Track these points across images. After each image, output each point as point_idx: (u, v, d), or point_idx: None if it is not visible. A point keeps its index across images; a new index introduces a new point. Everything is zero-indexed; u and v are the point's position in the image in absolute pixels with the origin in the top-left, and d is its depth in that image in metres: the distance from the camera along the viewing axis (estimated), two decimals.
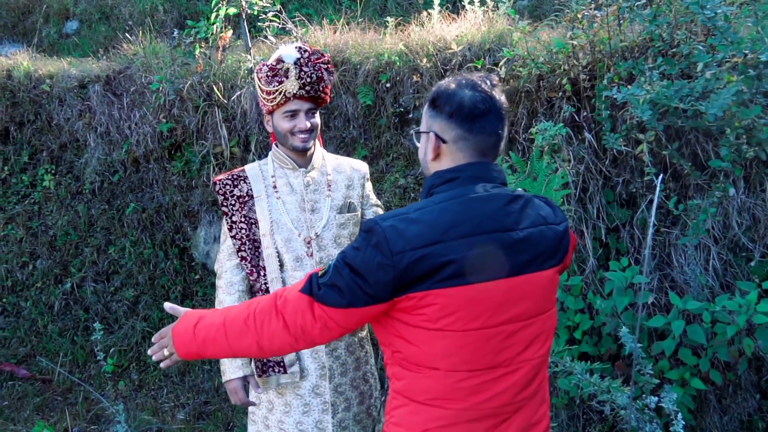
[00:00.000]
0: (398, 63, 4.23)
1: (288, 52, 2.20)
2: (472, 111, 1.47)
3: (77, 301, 4.68)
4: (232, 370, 2.21)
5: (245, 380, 2.23)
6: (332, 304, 1.40)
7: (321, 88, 2.22)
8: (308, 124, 2.22)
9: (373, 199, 2.44)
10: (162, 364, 1.63)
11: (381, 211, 2.43)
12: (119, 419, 3.03)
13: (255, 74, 2.26)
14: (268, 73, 2.18)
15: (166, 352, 1.60)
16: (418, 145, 1.63)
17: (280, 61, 2.19)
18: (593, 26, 3.45)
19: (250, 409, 2.34)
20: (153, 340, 1.62)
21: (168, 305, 1.66)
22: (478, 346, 1.43)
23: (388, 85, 4.26)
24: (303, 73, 2.17)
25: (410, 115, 4.24)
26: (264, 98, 2.22)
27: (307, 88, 2.18)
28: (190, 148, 4.66)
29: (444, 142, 1.50)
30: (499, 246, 1.42)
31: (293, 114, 2.21)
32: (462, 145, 1.49)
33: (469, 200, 1.44)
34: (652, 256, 3.46)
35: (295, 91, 2.17)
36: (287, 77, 2.16)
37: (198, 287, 4.56)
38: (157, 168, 4.77)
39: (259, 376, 2.22)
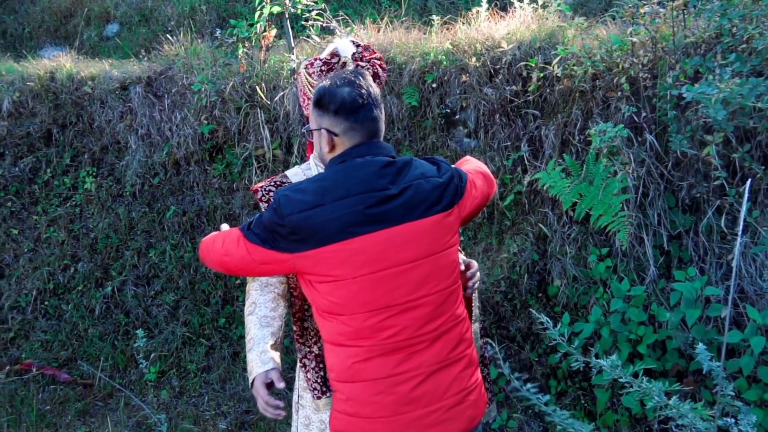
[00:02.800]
0: (445, 62, 4.09)
1: (343, 45, 2.06)
2: (353, 104, 1.74)
3: (118, 305, 4.64)
4: (258, 365, 1.86)
5: (267, 375, 1.85)
6: (251, 240, 1.77)
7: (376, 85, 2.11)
8: None
9: None
10: None
11: None
12: (161, 429, 2.94)
13: (303, 70, 2.10)
14: (323, 68, 2.04)
15: None
16: (310, 140, 1.93)
17: (335, 55, 2.05)
18: (655, 22, 3.27)
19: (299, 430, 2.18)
20: None
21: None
22: (372, 290, 1.70)
23: (434, 85, 4.12)
24: (360, 68, 2.03)
25: (457, 116, 4.10)
26: None
27: None
28: (231, 151, 4.58)
29: (336, 135, 1.77)
30: (373, 203, 1.68)
31: None
32: (351, 134, 1.76)
33: (346, 168, 1.73)
34: (719, 265, 3.26)
35: None
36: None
37: (239, 292, 4.48)
38: (198, 170, 4.70)
39: (318, 398, 2.05)
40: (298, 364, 2.13)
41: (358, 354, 1.73)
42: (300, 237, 1.69)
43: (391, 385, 1.72)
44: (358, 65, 2.03)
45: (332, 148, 1.79)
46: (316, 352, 2.04)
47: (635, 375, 2.39)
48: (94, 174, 4.95)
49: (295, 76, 2.12)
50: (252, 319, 2.01)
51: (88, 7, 7.81)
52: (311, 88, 2.06)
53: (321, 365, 2.04)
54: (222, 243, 1.86)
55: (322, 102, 1.77)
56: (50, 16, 7.95)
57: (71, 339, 4.55)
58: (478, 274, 2.12)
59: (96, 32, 7.70)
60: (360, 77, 1.79)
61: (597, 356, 2.94)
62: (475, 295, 2.18)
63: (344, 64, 2.03)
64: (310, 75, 2.06)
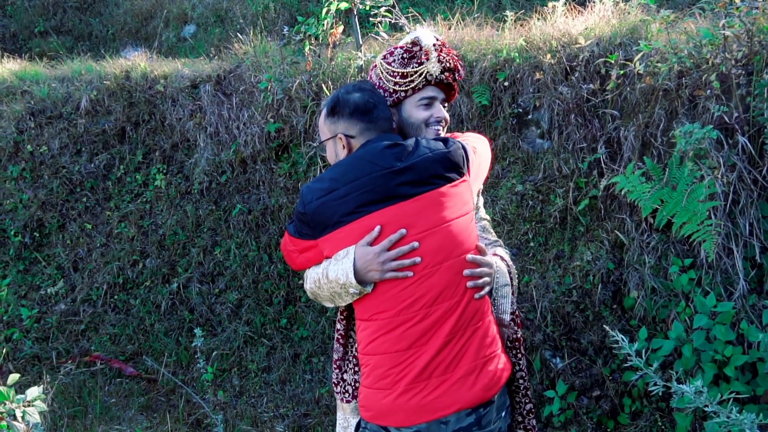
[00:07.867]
0: (518, 60, 3.90)
1: (424, 34, 2.00)
2: (366, 106, 1.89)
3: (183, 301, 4.67)
4: (346, 259, 1.81)
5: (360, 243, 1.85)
6: (290, 233, 1.95)
7: (455, 78, 2.03)
8: (446, 113, 2.02)
9: (482, 211, 2.15)
10: None
11: (489, 226, 2.14)
12: (218, 430, 2.90)
13: (381, 61, 2.02)
14: (404, 55, 1.98)
15: None
16: (325, 155, 2.03)
17: (415, 43, 1.99)
18: (752, 13, 2.99)
19: None
20: None
21: None
22: None
23: (506, 83, 3.94)
24: (442, 56, 1.98)
25: (530, 116, 3.91)
26: (397, 82, 1.97)
27: (447, 73, 1.99)
28: (297, 149, 4.54)
29: (353, 137, 1.90)
30: (381, 181, 1.78)
31: (429, 102, 1.99)
32: (367, 134, 1.89)
33: (356, 155, 1.86)
34: None
35: (437, 74, 1.97)
36: (428, 59, 1.97)
37: (301, 292, 4.43)
38: (264, 169, 4.69)
39: (348, 401, 1.97)
40: (334, 366, 2.06)
41: (381, 327, 1.80)
42: (320, 221, 1.83)
43: (410, 357, 1.78)
44: (440, 55, 1.97)
45: (350, 150, 1.90)
46: (355, 353, 2.00)
47: (720, 401, 2.15)
48: (165, 171, 5.02)
49: (369, 73, 2.06)
50: (317, 270, 1.93)
51: (167, 9, 8.02)
52: (391, 78, 1.99)
53: (358, 368, 1.99)
54: (284, 239, 2.03)
55: (336, 109, 1.91)
56: (132, 18, 8.21)
57: (138, 333, 4.62)
58: (485, 269, 1.86)
59: (174, 33, 7.90)
60: (366, 83, 1.95)
61: (679, 379, 2.71)
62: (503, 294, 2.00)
63: (427, 51, 1.97)
64: (389, 64, 2.00)
